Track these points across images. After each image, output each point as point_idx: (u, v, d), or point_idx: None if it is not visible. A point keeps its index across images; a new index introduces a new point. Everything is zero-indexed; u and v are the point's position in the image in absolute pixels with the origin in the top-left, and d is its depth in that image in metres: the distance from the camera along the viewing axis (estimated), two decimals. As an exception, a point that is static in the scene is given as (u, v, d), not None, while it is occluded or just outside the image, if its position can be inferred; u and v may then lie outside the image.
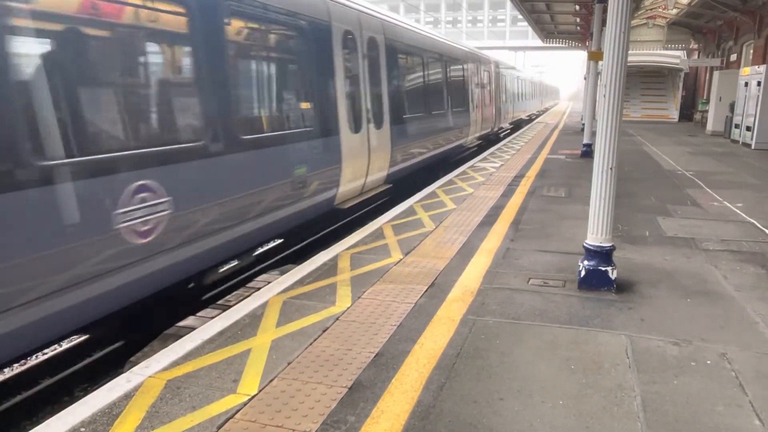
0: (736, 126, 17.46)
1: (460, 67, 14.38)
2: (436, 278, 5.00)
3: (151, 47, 4.50)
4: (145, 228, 4.04)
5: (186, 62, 4.82)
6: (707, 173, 11.19)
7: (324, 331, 3.93)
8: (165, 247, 4.27)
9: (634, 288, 4.76)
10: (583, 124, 16.68)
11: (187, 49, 4.72)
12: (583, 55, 31.17)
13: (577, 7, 19.20)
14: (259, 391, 3.16)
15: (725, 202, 8.33)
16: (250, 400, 3.07)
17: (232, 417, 2.91)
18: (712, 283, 4.90)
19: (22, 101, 3.30)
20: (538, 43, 31.51)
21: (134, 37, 4.24)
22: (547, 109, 48.33)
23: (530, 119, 33.46)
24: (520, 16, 26.17)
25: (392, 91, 9.17)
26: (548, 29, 25.72)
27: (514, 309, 4.32)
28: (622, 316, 4.18)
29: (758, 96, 15.42)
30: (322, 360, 3.51)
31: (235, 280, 6.50)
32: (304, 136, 6.32)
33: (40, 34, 3.52)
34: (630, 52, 4.72)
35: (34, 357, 5.34)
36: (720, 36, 24.35)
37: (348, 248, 5.96)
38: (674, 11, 23.42)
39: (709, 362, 3.49)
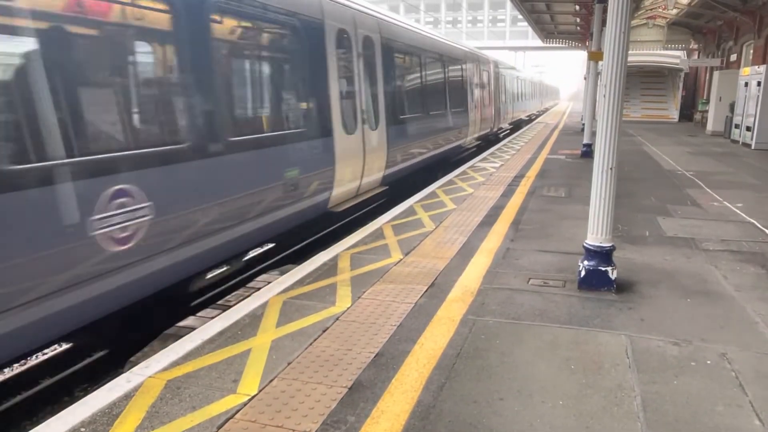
0: (736, 126, 17.46)
1: (459, 67, 14.30)
2: (436, 278, 5.00)
3: (130, 43, 4.25)
4: (124, 234, 3.88)
5: (168, 60, 4.63)
6: (707, 173, 11.19)
7: (324, 331, 3.93)
8: (146, 254, 4.11)
9: (634, 288, 4.76)
10: (583, 124, 16.68)
11: (169, 46, 4.53)
12: (583, 55, 31.18)
13: (577, 7, 19.20)
14: (259, 391, 3.16)
15: (725, 202, 8.33)
16: (250, 400, 3.07)
17: (232, 417, 2.91)
18: (712, 283, 4.90)
19: None
20: (538, 43, 31.52)
21: (111, 32, 4.01)
22: (547, 110, 48.35)
23: (530, 119, 33.45)
24: (520, 16, 26.18)
25: (389, 92, 9.04)
26: (548, 29, 25.73)
27: (514, 309, 4.32)
28: (622, 316, 4.18)
29: (758, 96, 15.42)
30: (322, 360, 3.51)
31: (235, 281, 6.49)
32: (296, 138, 6.16)
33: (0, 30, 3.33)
34: (630, 52, 4.72)
35: (34, 357, 5.34)
36: (720, 36, 24.36)
37: (348, 248, 5.96)
38: (674, 11, 23.42)
39: (709, 362, 3.49)
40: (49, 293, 3.45)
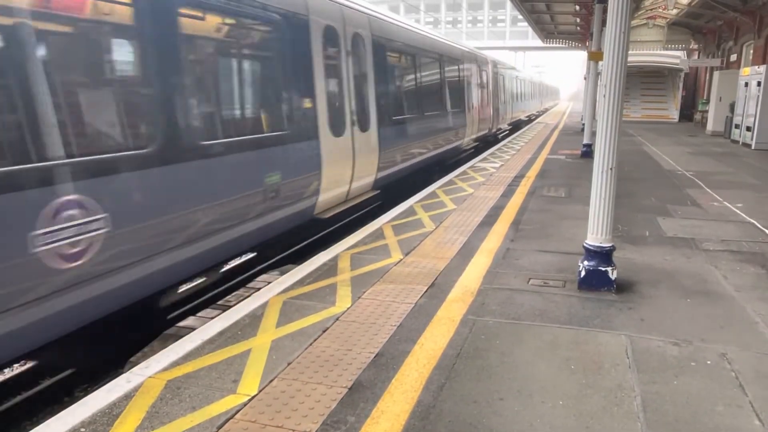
0: (736, 126, 17.46)
1: (456, 67, 14.08)
2: (436, 278, 5.00)
3: (83, 34, 3.82)
4: (75, 250, 3.53)
5: (128, 55, 4.21)
6: (707, 173, 11.19)
7: (324, 331, 3.93)
8: (103, 271, 3.78)
9: (634, 288, 4.76)
10: (583, 125, 16.69)
11: (130, 39, 4.12)
12: (583, 55, 31.19)
13: (577, 7, 19.21)
14: (259, 391, 3.16)
15: (725, 203, 8.33)
16: (250, 400, 3.07)
17: (232, 417, 2.92)
18: (712, 284, 4.90)
19: None
20: (538, 43, 31.52)
21: (55, 19, 3.57)
22: (546, 110, 48.33)
23: (530, 120, 33.41)
24: (520, 17, 26.19)
25: (381, 92, 8.66)
26: (548, 29, 25.74)
27: (514, 309, 4.32)
28: (622, 317, 4.18)
29: (758, 96, 15.42)
30: (322, 360, 3.51)
31: (235, 281, 6.49)
32: (276, 141, 5.79)
33: None
34: (630, 52, 4.72)
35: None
36: (720, 36, 24.36)
37: (348, 248, 5.96)
38: (674, 11, 23.43)
39: (709, 362, 3.49)
40: None
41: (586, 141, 14.10)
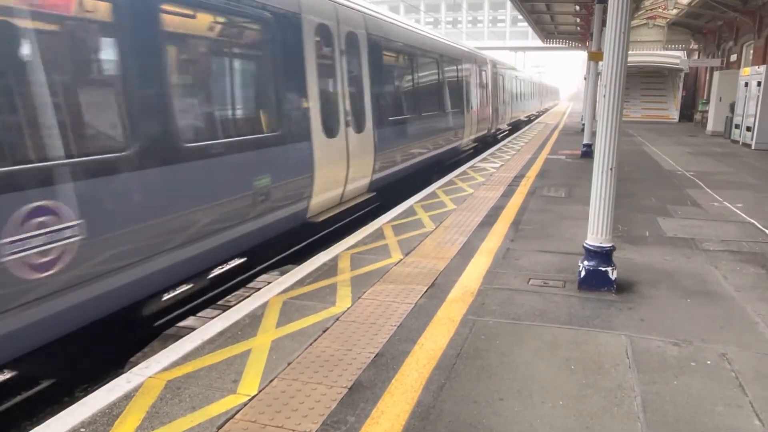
0: (736, 126, 17.47)
1: (454, 66, 13.97)
2: (436, 278, 5.00)
3: (51, 32, 3.63)
4: (45, 259, 3.37)
5: (106, 53, 4.00)
6: (707, 173, 11.19)
7: (324, 331, 3.94)
8: (78, 280, 3.62)
9: (634, 288, 4.76)
10: (583, 125, 16.69)
11: (107, 36, 3.93)
12: (583, 55, 31.18)
13: (577, 8, 19.22)
14: (259, 391, 3.16)
15: (725, 203, 8.33)
16: (250, 400, 3.07)
17: (232, 417, 2.92)
18: (712, 284, 4.90)
19: None
20: (538, 43, 31.52)
21: (24, 15, 3.34)
22: (546, 110, 48.31)
23: (529, 120, 33.39)
24: (521, 17, 26.19)
25: (376, 92, 8.46)
26: (548, 29, 25.75)
27: (514, 309, 4.32)
28: (622, 317, 4.18)
29: (758, 96, 15.43)
30: (322, 360, 3.51)
31: (235, 281, 6.48)
32: (265, 143, 5.61)
33: None
34: (630, 52, 4.72)
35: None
36: (720, 36, 24.37)
37: (348, 248, 5.96)
38: (674, 11, 23.44)
39: (709, 362, 3.49)
40: None
41: (586, 141, 14.11)
